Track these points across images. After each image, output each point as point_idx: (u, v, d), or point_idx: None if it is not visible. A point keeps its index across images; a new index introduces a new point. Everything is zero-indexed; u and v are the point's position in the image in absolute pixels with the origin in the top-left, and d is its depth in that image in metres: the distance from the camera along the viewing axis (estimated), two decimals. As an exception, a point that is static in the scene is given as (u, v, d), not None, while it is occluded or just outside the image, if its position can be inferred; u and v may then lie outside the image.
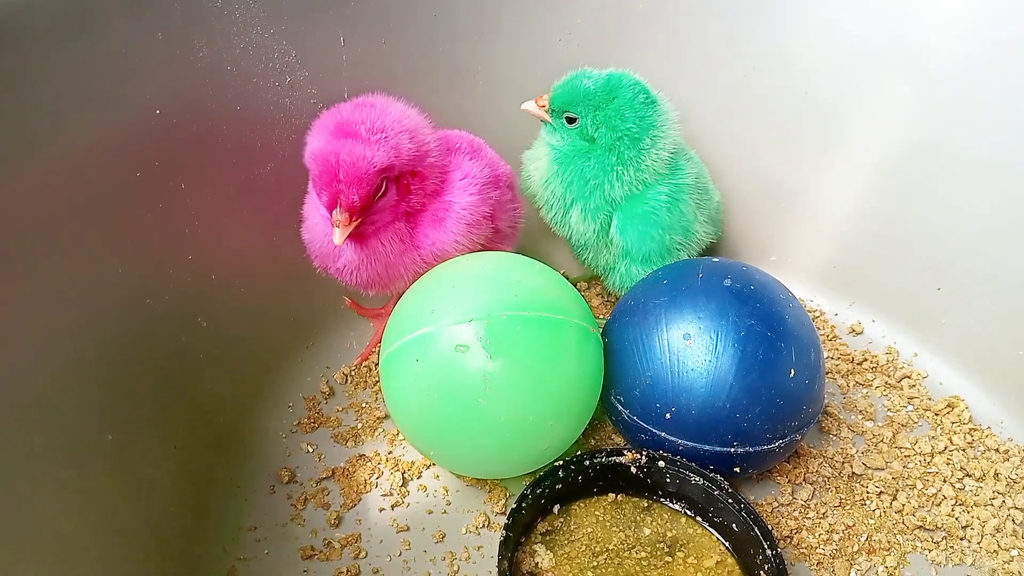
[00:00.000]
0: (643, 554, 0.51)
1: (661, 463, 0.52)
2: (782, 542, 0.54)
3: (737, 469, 0.52)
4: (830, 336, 0.70)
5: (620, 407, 0.54)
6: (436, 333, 0.48)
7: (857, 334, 0.70)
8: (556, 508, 0.53)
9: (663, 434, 0.52)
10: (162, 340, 0.52)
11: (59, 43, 0.43)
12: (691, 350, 0.50)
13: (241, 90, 0.55)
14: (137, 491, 0.47)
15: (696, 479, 0.52)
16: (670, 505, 0.54)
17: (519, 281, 0.50)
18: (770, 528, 0.49)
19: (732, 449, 0.51)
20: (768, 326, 0.50)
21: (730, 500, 0.51)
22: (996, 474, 0.58)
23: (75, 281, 0.45)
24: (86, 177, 0.46)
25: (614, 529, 0.53)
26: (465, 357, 0.47)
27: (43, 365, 0.42)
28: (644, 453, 0.53)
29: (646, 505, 0.54)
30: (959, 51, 0.62)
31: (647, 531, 0.53)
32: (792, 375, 0.50)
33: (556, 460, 0.53)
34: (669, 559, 0.51)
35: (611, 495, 0.54)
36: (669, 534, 0.53)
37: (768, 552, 0.48)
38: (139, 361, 0.50)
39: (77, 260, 0.45)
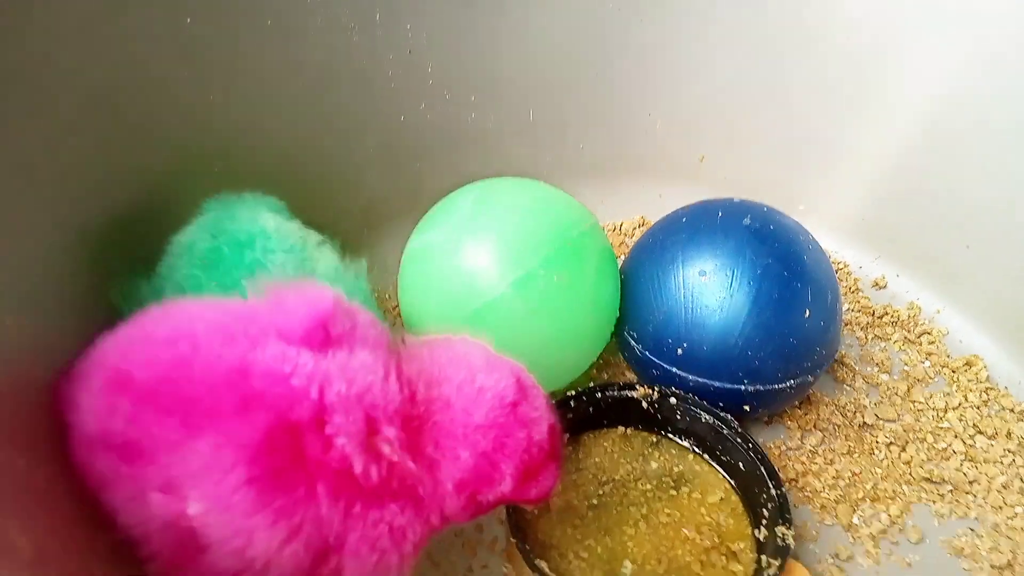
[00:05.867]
0: (648, 487, 0.52)
1: (672, 400, 0.52)
2: (787, 484, 0.54)
3: (747, 407, 0.52)
4: (852, 289, 0.69)
5: (633, 342, 0.54)
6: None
7: (880, 288, 0.69)
8: (566, 438, 0.54)
9: (674, 369, 0.52)
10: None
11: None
12: (706, 287, 0.50)
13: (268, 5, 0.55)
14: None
15: (706, 417, 0.52)
16: (679, 441, 0.54)
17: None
18: (776, 469, 0.50)
19: (743, 387, 0.51)
20: (785, 266, 0.50)
21: (738, 439, 0.51)
22: (1009, 433, 0.58)
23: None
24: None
25: (621, 461, 0.53)
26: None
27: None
28: (656, 389, 0.53)
29: (655, 440, 0.55)
30: (1010, 4, 0.60)
31: (654, 465, 0.53)
32: (807, 316, 0.50)
33: (569, 391, 0.54)
34: (674, 493, 0.52)
35: (621, 428, 0.55)
36: (676, 469, 0.53)
37: (773, 491, 0.48)
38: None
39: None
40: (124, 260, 0.44)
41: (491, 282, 0.48)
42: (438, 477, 0.35)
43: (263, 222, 0.45)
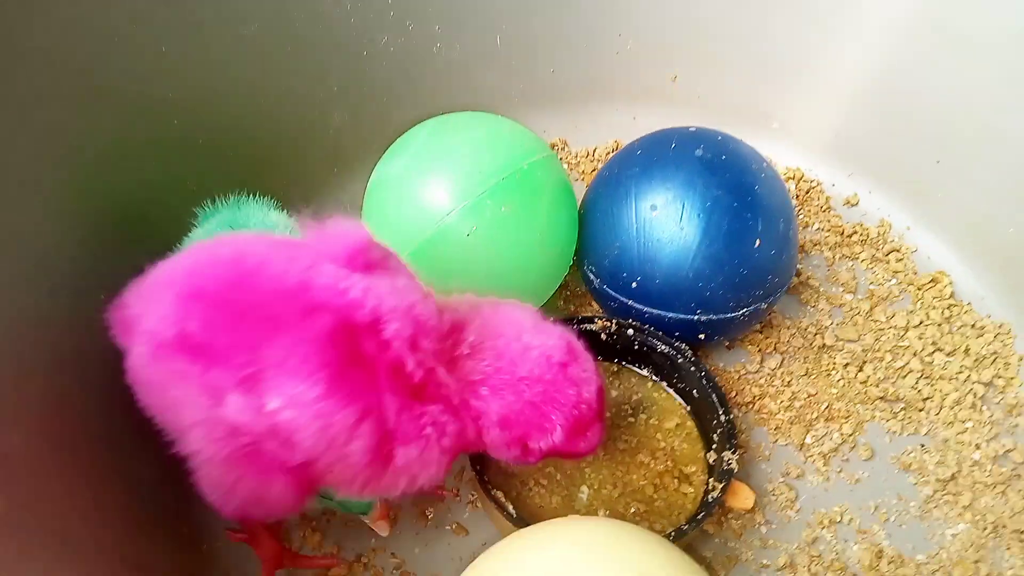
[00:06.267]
0: (608, 414, 0.54)
1: (630, 331, 0.54)
2: (744, 407, 0.56)
3: (702, 336, 0.53)
4: (824, 208, 0.69)
5: (592, 276, 0.55)
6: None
7: (852, 206, 0.69)
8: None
9: (630, 302, 0.53)
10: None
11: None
12: (657, 221, 0.51)
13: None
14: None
15: (661, 347, 0.54)
16: (637, 370, 0.56)
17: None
18: (726, 395, 0.51)
19: (695, 317, 0.52)
20: (736, 197, 0.50)
21: (692, 367, 0.53)
22: (967, 349, 0.59)
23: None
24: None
25: (582, 390, 0.55)
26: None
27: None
28: (614, 321, 0.54)
29: (616, 370, 0.57)
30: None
31: (614, 393, 0.55)
32: (757, 245, 0.50)
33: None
34: (632, 420, 0.54)
35: (582, 358, 0.57)
36: (635, 397, 0.55)
37: (722, 418, 0.50)
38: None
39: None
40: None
41: (442, 210, 0.50)
42: (477, 402, 0.39)
43: (272, 219, 0.47)
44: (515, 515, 0.46)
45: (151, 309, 0.36)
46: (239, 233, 0.41)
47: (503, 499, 0.47)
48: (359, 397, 0.34)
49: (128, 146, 0.50)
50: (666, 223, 0.50)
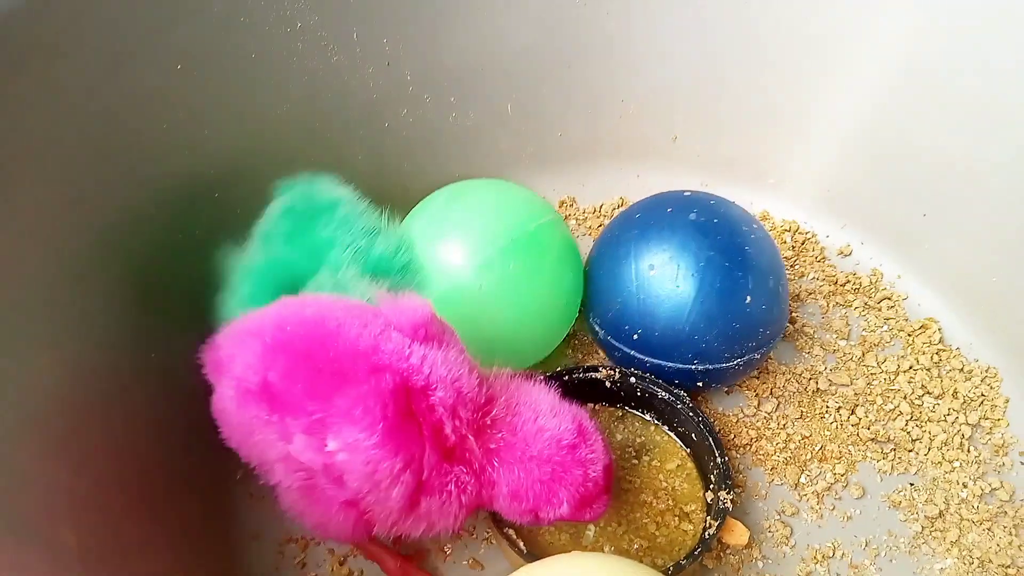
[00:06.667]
0: (614, 456, 0.58)
1: (632, 379, 0.58)
2: (742, 449, 0.60)
3: (700, 383, 0.58)
4: (819, 258, 0.73)
5: (597, 327, 0.60)
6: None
7: (846, 256, 0.73)
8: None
9: (633, 352, 0.58)
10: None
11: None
12: (655, 279, 0.55)
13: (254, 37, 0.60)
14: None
15: (662, 394, 0.58)
16: (640, 415, 0.60)
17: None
18: (722, 439, 0.56)
19: (693, 366, 0.56)
20: (727, 257, 0.55)
21: (690, 413, 0.57)
22: (955, 392, 0.62)
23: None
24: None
25: (589, 434, 0.60)
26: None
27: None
28: (618, 370, 0.59)
29: (620, 415, 0.61)
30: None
31: (619, 436, 0.60)
32: (748, 302, 0.55)
33: (541, 373, 0.60)
34: (636, 461, 0.58)
35: (590, 404, 0.61)
36: (638, 440, 0.59)
37: (718, 460, 0.54)
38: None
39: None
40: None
41: (457, 268, 0.55)
42: (492, 470, 0.44)
43: (340, 193, 0.55)
44: (525, 551, 0.51)
45: (239, 355, 0.42)
46: (322, 296, 0.47)
47: (515, 536, 0.51)
48: (405, 449, 0.40)
49: (170, 216, 0.56)
50: (663, 281, 0.55)
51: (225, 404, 0.43)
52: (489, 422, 0.44)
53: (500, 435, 0.44)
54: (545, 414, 0.46)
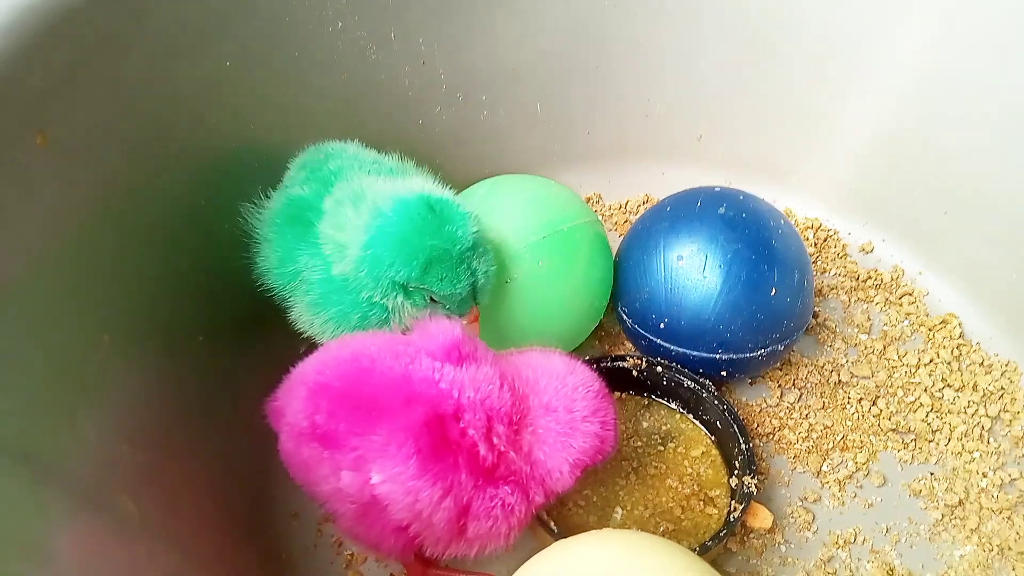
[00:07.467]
0: (640, 443, 0.60)
1: (659, 368, 0.60)
2: (765, 437, 0.62)
3: (724, 373, 0.59)
4: (840, 255, 0.75)
5: (625, 316, 0.62)
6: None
7: (867, 253, 0.75)
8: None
9: (659, 341, 0.60)
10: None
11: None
12: (683, 269, 0.57)
13: (297, 36, 0.63)
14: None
15: (687, 382, 0.59)
16: (666, 403, 0.62)
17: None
18: (746, 426, 0.57)
19: (717, 355, 0.58)
20: (753, 250, 0.56)
21: (715, 401, 0.58)
22: (975, 385, 0.64)
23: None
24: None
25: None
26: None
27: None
28: (644, 359, 0.61)
29: (646, 403, 0.63)
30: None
31: (645, 424, 0.61)
32: (773, 294, 0.56)
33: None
34: (662, 448, 0.60)
35: (616, 393, 0.63)
36: (664, 428, 0.61)
37: (743, 446, 0.56)
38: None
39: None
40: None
41: None
42: (538, 466, 0.45)
43: (368, 155, 0.58)
44: (556, 531, 0.52)
45: (290, 403, 0.45)
46: (359, 334, 0.49)
47: (546, 517, 0.53)
48: (443, 477, 0.41)
49: (218, 209, 0.59)
50: (691, 272, 0.57)
51: (286, 447, 0.46)
52: (523, 414, 0.45)
53: (534, 425, 0.45)
54: (568, 372, 0.47)
